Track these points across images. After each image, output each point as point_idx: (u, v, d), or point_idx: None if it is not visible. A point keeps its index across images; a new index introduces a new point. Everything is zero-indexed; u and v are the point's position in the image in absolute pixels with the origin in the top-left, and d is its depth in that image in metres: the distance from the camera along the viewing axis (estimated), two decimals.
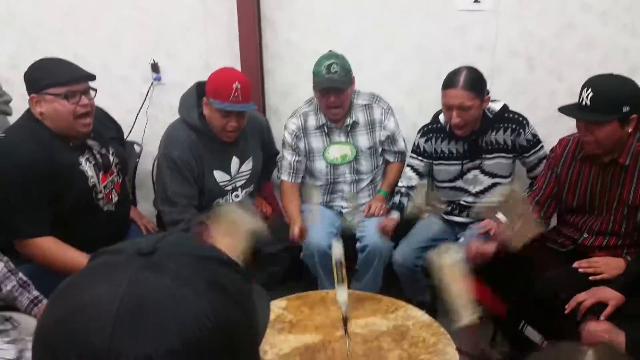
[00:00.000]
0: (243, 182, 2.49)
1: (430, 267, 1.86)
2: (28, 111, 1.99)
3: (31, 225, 1.91)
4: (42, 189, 1.90)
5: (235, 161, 2.43)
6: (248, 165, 2.49)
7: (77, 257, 1.91)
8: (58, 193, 1.95)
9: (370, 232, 2.47)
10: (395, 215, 2.46)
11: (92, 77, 2.01)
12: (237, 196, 2.49)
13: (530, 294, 2.02)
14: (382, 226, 2.41)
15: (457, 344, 1.65)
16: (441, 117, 2.41)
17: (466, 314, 1.66)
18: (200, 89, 2.35)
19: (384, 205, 2.59)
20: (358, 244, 2.50)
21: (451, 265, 1.77)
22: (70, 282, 0.52)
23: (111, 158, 2.16)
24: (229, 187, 2.45)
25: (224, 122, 2.27)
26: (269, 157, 2.72)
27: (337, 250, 1.77)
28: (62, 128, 1.96)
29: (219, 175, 2.40)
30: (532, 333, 1.94)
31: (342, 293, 1.67)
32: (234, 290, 0.51)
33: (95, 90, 2.03)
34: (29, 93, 1.94)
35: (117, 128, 2.35)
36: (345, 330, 1.58)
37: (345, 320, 1.59)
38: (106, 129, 2.22)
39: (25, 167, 1.88)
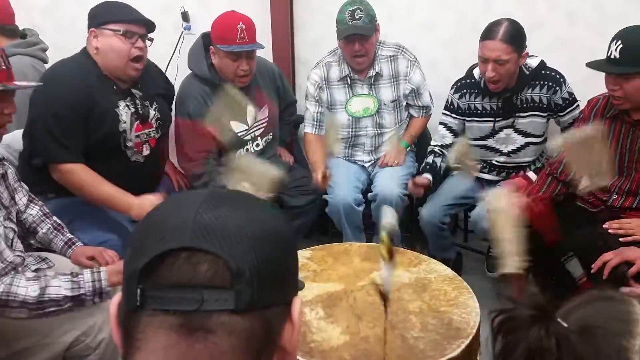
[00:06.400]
0: (262, 130, 2.48)
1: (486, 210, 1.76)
2: (84, 48, 2.06)
3: (66, 152, 1.97)
4: (78, 122, 1.96)
5: (250, 110, 2.40)
6: (264, 113, 2.47)
7: (107, 186, 1.98)
8: (89, 128, 2.00)
9: (380, 182, 2.44)
10: (428, 176, 2.37)
11: (152, 24, 2.06)
12: (257, 145, 2.48)
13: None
14: (410, 187, 2.36)
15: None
16: (475, 72, 2.35)
17: (511, 263, 1.61)
18: (206, 39, 2.33)
19: (400, 155, 2.55)
20: (369, 194, 2.48)
21: (505, 209, 1.70)
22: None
23: (152, 112, 2.18)
24: (248, 137, 2.44)
25: (235, 66, 2.25)
26: (287, 105, 2.69)
27: (387, 220, 1.26)
28: (113, 67, 2.02)
29: (236, 126, 2.39)
30: (575, 266, 1.89)
31: (387, 271, 1.25)
32: (282, 214, 0.65)
33: (152, 40, 2.08)
34: (89, 27, 2.01)
35: (168, 87, 2.38)
36: (385, 310, 1.30)
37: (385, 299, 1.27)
38: (154, 85, 2.24)
39: (65, 100, 1.94)
